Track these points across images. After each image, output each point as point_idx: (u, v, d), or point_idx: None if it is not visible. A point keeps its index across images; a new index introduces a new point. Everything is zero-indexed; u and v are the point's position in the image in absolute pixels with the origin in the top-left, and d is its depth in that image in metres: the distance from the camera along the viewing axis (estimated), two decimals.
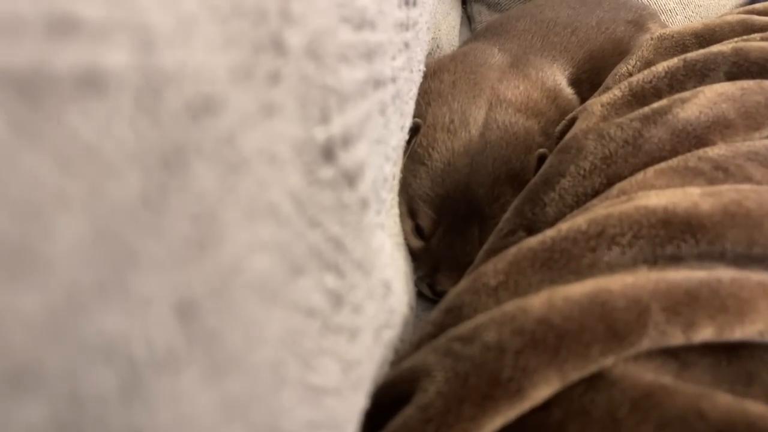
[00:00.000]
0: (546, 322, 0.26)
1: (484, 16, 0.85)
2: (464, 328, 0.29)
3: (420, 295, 0.52)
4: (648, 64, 0.50)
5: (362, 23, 0.28)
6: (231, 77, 0.16)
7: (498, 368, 0.26)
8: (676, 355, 0.27)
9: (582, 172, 0.39)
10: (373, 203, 0.30)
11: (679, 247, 0.29)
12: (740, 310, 0.26)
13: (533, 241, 0.32)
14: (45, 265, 0.10)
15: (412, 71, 0.46)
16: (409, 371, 0.28)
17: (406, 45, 0.39)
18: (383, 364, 0.28)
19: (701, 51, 0.45)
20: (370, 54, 0.29)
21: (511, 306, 0.28)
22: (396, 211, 0.45)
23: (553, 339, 0.26)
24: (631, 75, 0.50)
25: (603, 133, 0.40)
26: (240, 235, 0.16)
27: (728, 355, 0.27)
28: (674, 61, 0.44)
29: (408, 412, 0.26)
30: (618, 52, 0.60)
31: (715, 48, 0.45)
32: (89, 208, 0.11)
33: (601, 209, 0.33)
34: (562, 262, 0.30)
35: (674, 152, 0.38)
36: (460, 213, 0.50)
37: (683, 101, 0.40)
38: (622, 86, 0.44)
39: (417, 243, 0.52)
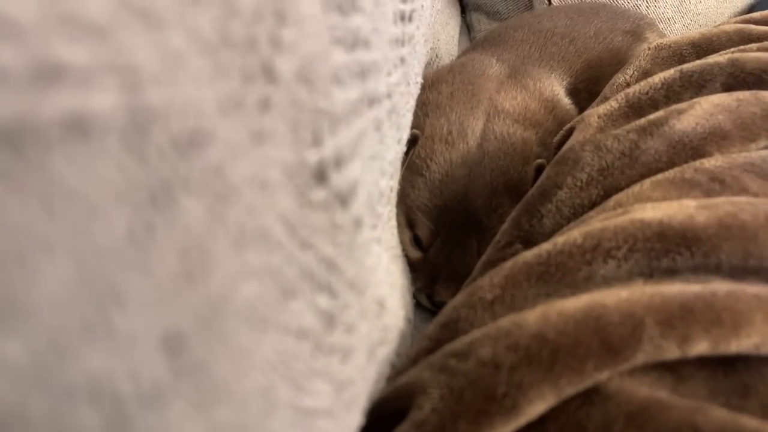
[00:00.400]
0: (540, 338, 0.27)
1: (483, 25, 0.85)
2: (459, 343, 0.29)
3: (419, 306, 0.52)
4: (645, 73, 0.50)
5: (355, 43, 0.28)
6: (219, 109, 0.16)
7: (493, 384, 0.26)
8: (672, 369, 0.27)
9: (579, 183, 0.40)
10: (368, 221, 0.30)
11: (674, 260, 0.29)
12: (735, 323, 0.26)
13: (529, 254, 0.32)
14: (28, 311, 0.10)
15: (409, 84, 0.46)
16: (405, 387, 0.28)
17: (402, 60, 0.40)
18: (379, 381, 0.28)
19: (697, 62, 0.45)
20: (364, 73, 0.29)
21: (506, 321, 0.28)
22: (393, 223, 0.45)
23: (547, 354, 0.26)
24: (628, 85, 0.50)
25: (600, 144, 0.41)
26: (228, 264, 0.16)
27: (724, 367, 0.27)
28: (670, 72, 0.44)
29: (403, 429, 0.27)
30: (616, 61, 0.61)
31: (712, 59, 0.45)
32: (74, 251, 0.11)
33: (596, 222, 0.33)
34: (558, 276, 0.30)
35: (671, 164, 0.38)
36: (458, 224, 0.50)
37: (680, 113, 0.40)
38: (619, 97, 0.44)
39: (415, 254, 0.52)
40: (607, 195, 0.38)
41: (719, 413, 0.25)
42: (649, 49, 0.52)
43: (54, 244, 0.11)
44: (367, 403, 0.27)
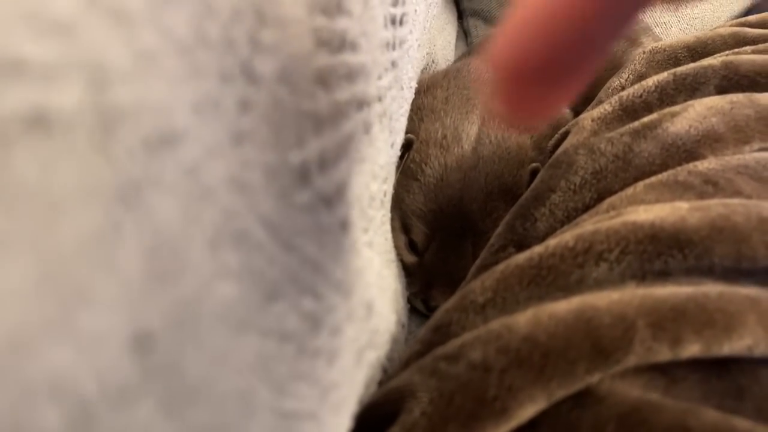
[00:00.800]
0: (531, 340, 0.26)
1: (480, 30, 0.85)
2: (450, 346, 0.29)
3: (414, 311, 0.52)
4: (640, 77, 0.50)
5: (342, 46, 0.28)
6: (194, 109, 0.16)
7: (483, 387, 0.26)
8: (665, 371, 0.27)
9: (572, 186, 0.39)
10: (356, 223, 0.30)
11: (666, 262, 0.29)
12: (728, 325, 0.26)
13: (521, 258, 0.32)
14: None
15: (402, 88, 0.46)
16: (395, 391, 0.28)
17: (393, 64, 0.40)
18: (369, 385, 0.28)
19: (691, 65, 0.45)
20: (351, 75, 0.29)
21: (496, 324, 0.28)
22: (387, 227, 0.45)
23: (538, 357, 0.26)
24: (623, 88, 0.50)
25: (593, 147, 0.40)
26: (204, 264, 0.16)
27: (718, 370, 0.27)
28: (664, 75, 0.44)
29: None
30: (611, 66, 0.60)
31: (705, 62, 0.45)
32: (34, 248, 0.11)
33: (588, 225, 0.33)
34: (550, 279, 0.30)
35: (664, 166, 0.38)
36: (453, 228, 0.50)
37: (673, 115, 0.40)
38: (613, 101, 0.44)
39: (411, 258, 0.52)
40: (600, 198, 0.38)
41: (711, 414, 0.24)
42: (644, 52, 0.52)
43: (13, 241, 0.11)
44: (355, 407, 0.27)
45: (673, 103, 0.43)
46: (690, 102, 0.41)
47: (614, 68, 0.61)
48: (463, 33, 0.88)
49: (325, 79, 0.25)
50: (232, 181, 0.19)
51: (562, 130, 0.50)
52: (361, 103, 0.32)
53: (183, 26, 0.17)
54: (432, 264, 0.50)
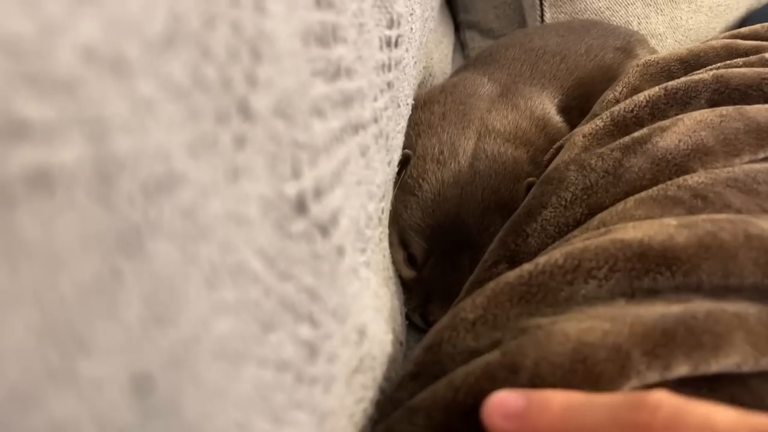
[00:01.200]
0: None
1: (477, 42, 0.86)
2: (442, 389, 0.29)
3: (414, 326, 0.52)
4: (634, 90, 0.51)
5: (337, 73, 0.28)
6: (190, 151, 0.17)
7: None
8: (649, 388, 0.27)
9: (563, 202, 0.40)
10: (352, 247, 0.30)
11: (655, 280, 0.29)
12: (715, 345, 0.26)
13: (511, 275, 0.33)
14: None
15: (399, 106, 0.46)
16: None
17: (389, 85, 0.40)
18: (356, 410, 0.28)
19: (682, 79, 0.45)
20: (347, 101, 0.30)
21: (499, 369, 0.28)
22: (385, 245, 0.45)
23: None
24: (617, 101, 0.50)
25: (584, 163, 0.41)
26: (200, 303, 0.17)
27: (709, 382, 0.27)
28: (655, 90, 0.45)
29: None
30: (607, 78, 0.61)
31: (697, 75, 0.45)
32: (37, 302, 0.11)
33: (578, 242, 0.33)
34: (540, 296, 0.31)
35: (655, 181, 0.38)
36: (450, 243, 0.50)
37: (663, 130, 0.40)
38: (604, 116, 0.45)
39: (409, 273, 0.52)
40: (591, 213, 0.39)
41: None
42: (637, 65, 0.52)
43: (17, 298, 0.11)
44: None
45: (665, 117, 0.43)
46: (680, 116, 0.41)
47: (609, 80, 0.62)
48: (460, 45, 0.89)
49: (320, 109, 0.26)
50: (228, 217, 0.19)
51: (557, 144, 0.50)
52: (357, 127, 0.32)
53: (180, 71, 0.17)
54: (430, 278, 0.50)
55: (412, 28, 0.49)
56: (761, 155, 0.39)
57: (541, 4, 0.78)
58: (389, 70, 0.40)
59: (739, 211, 0.34)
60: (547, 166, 0.50)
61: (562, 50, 0.63)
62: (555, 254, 0.32)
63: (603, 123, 0.44)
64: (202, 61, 0.18)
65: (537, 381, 0.26)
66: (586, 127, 0.44)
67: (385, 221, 0.46)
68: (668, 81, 0.47)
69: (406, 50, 0.47)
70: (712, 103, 0.43)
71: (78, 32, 0.14)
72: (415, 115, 0.55)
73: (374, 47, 0.37)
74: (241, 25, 0.20)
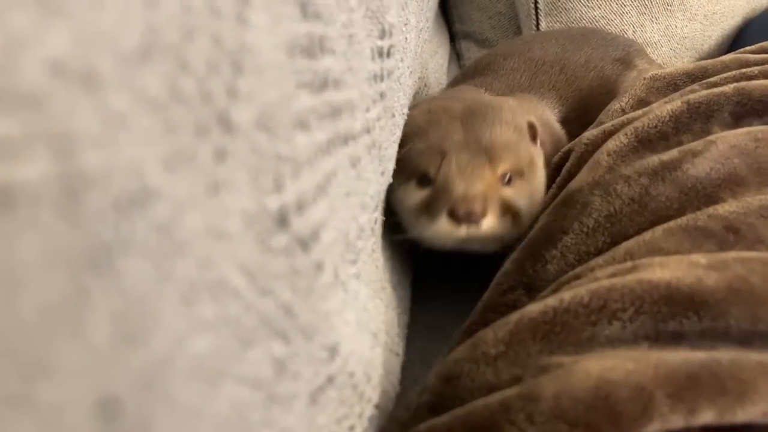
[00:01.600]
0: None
1: (472, 52, 0.86)
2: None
3: (415, 335, 0.51)
4: (641, 102, 0.50)
5: (324, 85, 0.28)
6: (166, 165, 0.17)
7: None
8: None
9: (585, 229, 0.39)
10: (340, 259, 0.30)
11: (681, 324, 0.29)
12: (741, 393, 0.25)
13: (534, 310, 0.32)
14: None
15: (393, 116, 0.46)
16: None
17: (382, 95, 0.40)
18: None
19: (703, 92, 0.44)
20: (335, 113, 0.30)
21: (516, 401, 0.28)
22: (378, 255, 0.45)
23: None
24: (624, 111, 0.50)
25: (609, 188, 0.40)
26: (176, 321, 0.16)
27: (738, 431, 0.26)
28: (678, 104, 0.44)
29: None
30: (606, 90, 0.61)
31: (717, 89, 0.44)
32: None
33: (604, 279, 0.32)
34: (563, 336, 0.30)
35: (682, 210, 0.37)
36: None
37: (694, 155, 0.39)
38: (628, 132, 0.44)
39: (426, 192, 0.48)
40: (614, 242, 0.38)
41: None
42: (644, 79, 0.52)
43: None
44: None
45: (689, 130, 0.42)
46: (712, 138, 0.40)
47: (609, 91, 0.61)
48: (456, 55, 0.89)
49: (304, 121, 0.25)
50: (208, 231, 0.19)
51: (566, 147, 0.50)
52: (347, 138, 0.32)
53: (156, 85, 0.17)
54: (447, 175, 0.47)
55: (407, 38, 0.49)
56: None
57: (537, 14, 0.78)
58: (381, 80, 0.40)
59: None
60: (556, 168, 0.50)
61: (561, 60, 0.62)
62: (581, 291, 0.31)
63: (627, 139, 0.43)
64: (180, 73, 0.18)
65: (557, 413, 0.26)
66: (610, 145, 0.43)
67: (379, 231, 0.46)
68: (674, 93, 0.46)
69: (401, 60, 0.47)
70: (736, 117, 0.43)
71: (46, 45, 0.14)
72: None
73: (365, 58, 0.36)
74: (222, 37, 0.20)
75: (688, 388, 0.25)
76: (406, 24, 0.48)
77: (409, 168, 0.49)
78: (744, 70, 0.47)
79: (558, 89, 0.61)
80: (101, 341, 0.14)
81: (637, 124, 0.44)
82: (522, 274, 0.40)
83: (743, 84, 0.44)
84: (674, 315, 0.29)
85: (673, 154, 0.40)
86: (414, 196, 0.49)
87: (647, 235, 0.36)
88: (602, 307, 0.30)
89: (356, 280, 0.35)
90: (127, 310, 0.14)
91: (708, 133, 0.42)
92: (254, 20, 0.22)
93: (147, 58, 0.17)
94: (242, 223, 0.21)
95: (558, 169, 0.50)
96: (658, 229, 0.36)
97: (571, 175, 0.47)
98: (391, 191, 0.49)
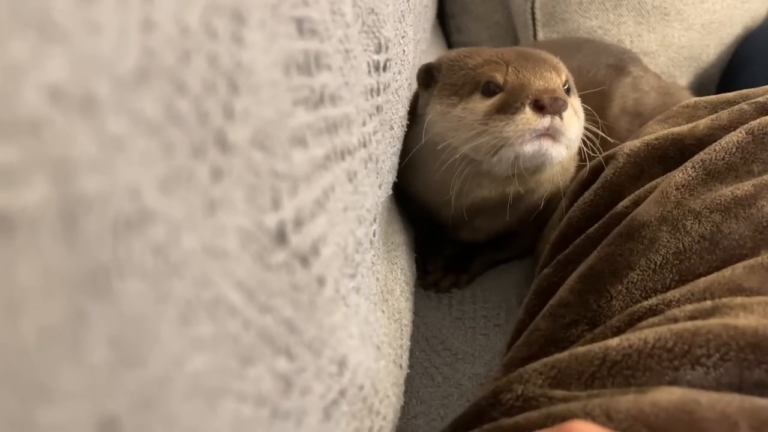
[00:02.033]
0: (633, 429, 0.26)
1: None
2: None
3: (415, 344, 0.51)
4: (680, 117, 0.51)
5: (321, 101, 0.28)
6: (162, 187, 0.17)
7: None
8: None
9: (652, 266, 0.39)
10: (340, 273, 0.30)
11: (767, 372, 0.29)
12: None
13: (616, 350, 0.31)
14: None
15: (392, 128, 0.46)
16: None
17: (379, 109, 0.40)
18: None
19: (763, 120, 0.44)
20: (331, 128, 0.30)
21: (597, 409, 0.28)
22: (378, 267, 0.45)
23: None
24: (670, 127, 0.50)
25: (678, 224, 0.40)
26: (174, 340, 0.16)
27: None
28: (741, 135, 0.43)
29: None
30: (599, 95, 0.61)
31: None
32: None
33: (687, 322, 0.32)
34: (644, 379, 0.30)
35: (756, 250, 0.37)
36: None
37: None
38: (696, 164, 0.43)
39: (495, 98, 0.49)
40: (682, 281, 0.37)
41: None
42: (686, 106, 0.53)
43: None
44: None
45: (757, 159, 0.42)
46: None
47: (602, 96, 0.62)
48: None
49: (301, 138, 0.26)
50: (205, 251, 0.19)
51: (604, 155, 0.50)
52: (344, 153, 0.32)
53: (153, 107, 0.17)
54: (516, 75, 0.49)
55: (404, 50, 0.50)
56: None
57: (534, 24, 0.79)
58: (378, 94, 0.40)
59: None
60: (593, 174, 0.50)
61: None
62: (665, 333, 0.31)
63: (695, 172, 0.43)
64: (176, 95, 0.18)
65: (636, 413, 0.26)
66: (678, 178, 0.43)
67: (377, 243, 0.46)
68: (749, 125, 0.45)
69: (399, 72, 0.47)
70: None
71: (44, 72, 0.14)
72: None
73: (362, 72, 0.37)
74: (218, 57, 0.20)
75: None
76: (403, 37, 0.49)
77: (460, 86, 0.51)
78: None
79: None
80: (99, 363, 0.14)
81: (704, 156, 0.44)
82: (585, 308, 0.39)
83: None
84: (761, 363, 0.28)
85: (747, 188, 0.40)
86: (481, 104, 0.50)
87: (726, 273, 0.35)
88: (686, 352, 0.30)
89: (356, 294, 0.35)
90: (124, 331, 0.15)
91: None
92: (250, 39, 0.22)
93: (144, 81, 0.17)
94: (239, 241, 0.21)
95: (594, 174, 0.51)
96: (738, 267, 0.35)
97: (612, 185, 0.48)
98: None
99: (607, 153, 0.50)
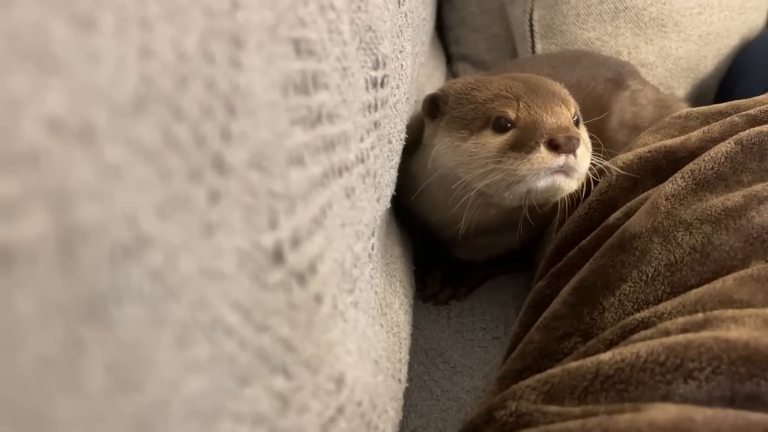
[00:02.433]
0: None
1: (468, 74, 0.87)
2: None
3: (417, 354, 0.52)
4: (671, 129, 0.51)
5: (318, 119, 0.29)
6: (159, 212, 0.17)
7: None
8: None
9: (644, 278, 0.39)
10: (338, 289, 0.30)
11: (759, 385, 0.29)
12: None
13: (606, 366, 0.32)
14: None
15: (390, 142, 0.47)
16: None
17: (376, 124, 0.40)
18: None
19: (753, 131, 0.44)
20: (329, 146, 0.30)
21: (595, 426, 0.28)
22: (377, 281, 0.45)
23: None
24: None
25: (669, 236, 0.40)
26: (170, 364, 0.17)
27: None
28: (730, 145, 0.44)
29: None
30: (598, 109, 0.62)
31: (766, 127, 0.44)
32: None
33: (679, 335, 0.32)
34: (637, 393, 0.30)
35: (746, 261, 0.37)
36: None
37: (760, 201, 0.39)
38: (685, 175, 0.44)
39: (508, 135, 0.50)
40: (674, 292, 0.38)
41: None
42: (679, 117, 0.53)
43: None
44: None
45: (746, 169, 0.42)
46: None
47: (601, 110, 0.62)
48: (452, 77, 0.90)
49: (299, 157, 0.26)
50: (202, 273, 0.19)
51: (597, 167, 0.51)
52: (341, 170, 0.33)
53: (150, 134, 0.17)
54: (528, 112, 0.50)
55: (402, 65, 0.50)
56: None
57: (532, 36, 0.79)
58: (376, 109, 0.40)
59: None
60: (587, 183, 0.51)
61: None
62: (656, 347, 0.31)
63: (685, 182, 0.43)
64: (173, 121, 0.18)
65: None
66: (668, 188, 0.43)
67: (376, 257, 0.46)
68: (737, 135, 0.45)
69: (397, 87, 0.47)
70: None
71: (43, 104, 0.14)
72: None
73: (360, 89, 0.37)
74: (215, 81, 0.20)
75: None
76: (401, 51, 0.49)
77: (470, 120, 0.52)
78: None
79: None
80: (96, 390, 0.14)
81: (693, 167, 0.44)
82: (578, 320, 0.39)
83: None
84: (752, 376, 0.29)
85: (736, 199, 0.40)
86: (494, 140, 0.50)
87: (717, 284, 0.35)
88: (678, 366, 0.30)
89: (354, 309, 0.35)
90: (121, 357, 0.15)
91: (766, 170, 0.42)
92: (247, 62, 0.22)
93: (141, 108, 0.17)
94: (236, 262, 0.21)
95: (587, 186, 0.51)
96: (729, 278, 0.35)
97: (606, 198, 0.48)
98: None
99: (599, 165, 0.50)
